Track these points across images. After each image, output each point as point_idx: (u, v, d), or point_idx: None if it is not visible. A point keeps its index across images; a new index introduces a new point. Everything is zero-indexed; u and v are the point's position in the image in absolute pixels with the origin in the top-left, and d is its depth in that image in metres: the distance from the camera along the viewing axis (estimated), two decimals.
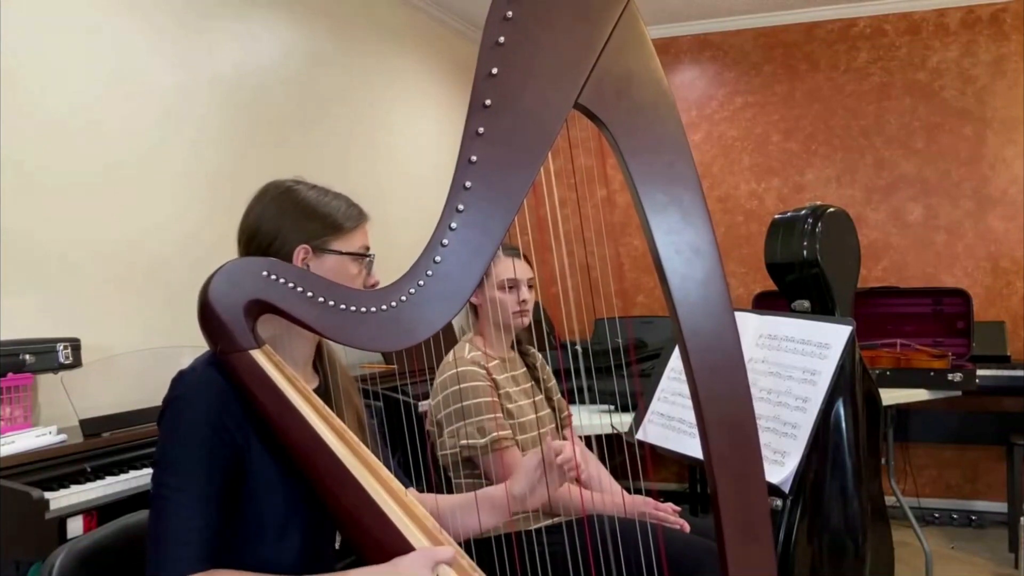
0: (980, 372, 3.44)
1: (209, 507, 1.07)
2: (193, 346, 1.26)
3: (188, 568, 1.04)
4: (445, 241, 1.04)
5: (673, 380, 2.09)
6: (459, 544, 1.21)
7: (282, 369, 1.13)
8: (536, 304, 2.17)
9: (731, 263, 4.80)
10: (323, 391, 1.29)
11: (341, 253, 1.26)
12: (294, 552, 1.16)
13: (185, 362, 1.17)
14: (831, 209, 2.64)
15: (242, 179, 3.00)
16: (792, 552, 2.36)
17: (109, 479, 2.00)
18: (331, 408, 1.19)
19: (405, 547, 1.11)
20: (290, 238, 1.24)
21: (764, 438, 1.73)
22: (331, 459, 1.10)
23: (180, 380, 1.13)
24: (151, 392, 2.21)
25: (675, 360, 2.12)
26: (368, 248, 1.30)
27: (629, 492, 2.06)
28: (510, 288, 2.07)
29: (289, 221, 1.25)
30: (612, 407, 2.97)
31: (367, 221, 1.32)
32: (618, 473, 2.21)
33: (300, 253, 1.24)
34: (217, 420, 1.09)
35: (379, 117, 3.97)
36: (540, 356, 2.25)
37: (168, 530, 1.05)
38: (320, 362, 1.33)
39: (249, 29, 3.18)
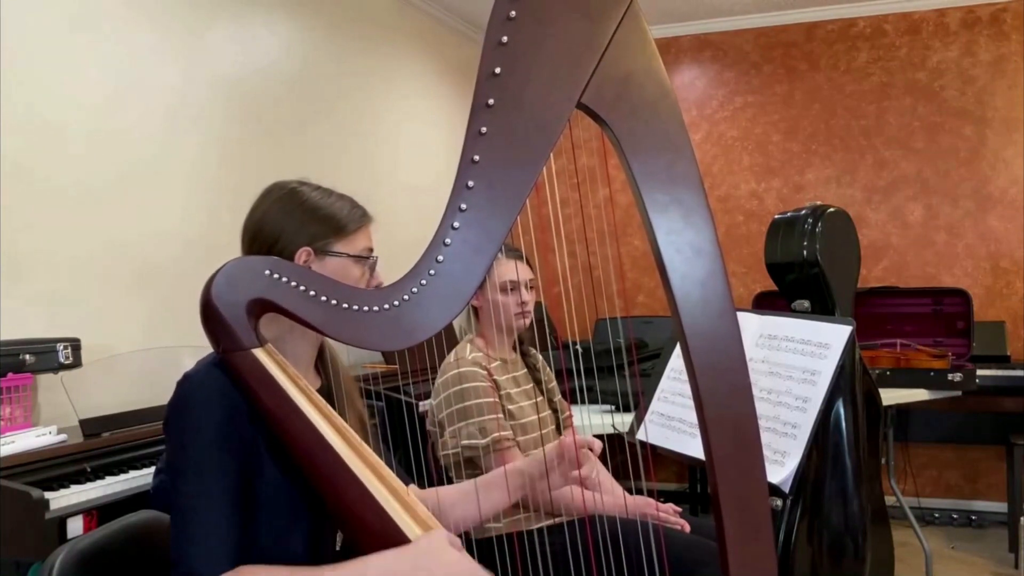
0: (980, 372, 3.45)
1: (229, 507, 1.07)
2: (193, 346, 1.26)
3: (216, 569, 1.04)
4: (448, 240, 1.03)
5: (674, 380, 2.09)
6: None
7: (284, 368, 1.12)
8: (538, 304, 2.17)
9: (731, 263, 4.81)
10: (325, 392, 1.28)
11: (343, 255, 1.26)
12: (296, 553, 1.16)
13: (186, 362, 1.17)
14: (831, 209, 2.64)
15: (242, 179, 3.01)
16: (792, 552, 2.36)
17: (109, 479, 2.00)
18: (333, 408, 1.19)
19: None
20: (293, 240, 1.24)
21: (764, 438, 1.72)
22: (333, 457, 1.09)
23: (185, 383, 1.12)
24: (151, 392, 2.22)
25: (676, 360, 2.12)
26: (371, 250, 1.30)
27: (630, 492, 2.06)
28: (511, 290, 2.07)
29: (292, 223, 1.25)
30: (613, 407, 2.97)
31: (371, 223, 1.32)
32: (618, 473, 2.21)
33: (302, 255, 1.24)
34: (225, 421, 1.09)
35: (380, 117, 3.97)
36: (541, 358, 2.25)
37: (193, 534, 1.05)
38: (322, 363, 1.33)
39: (249, 31, 3.18)
